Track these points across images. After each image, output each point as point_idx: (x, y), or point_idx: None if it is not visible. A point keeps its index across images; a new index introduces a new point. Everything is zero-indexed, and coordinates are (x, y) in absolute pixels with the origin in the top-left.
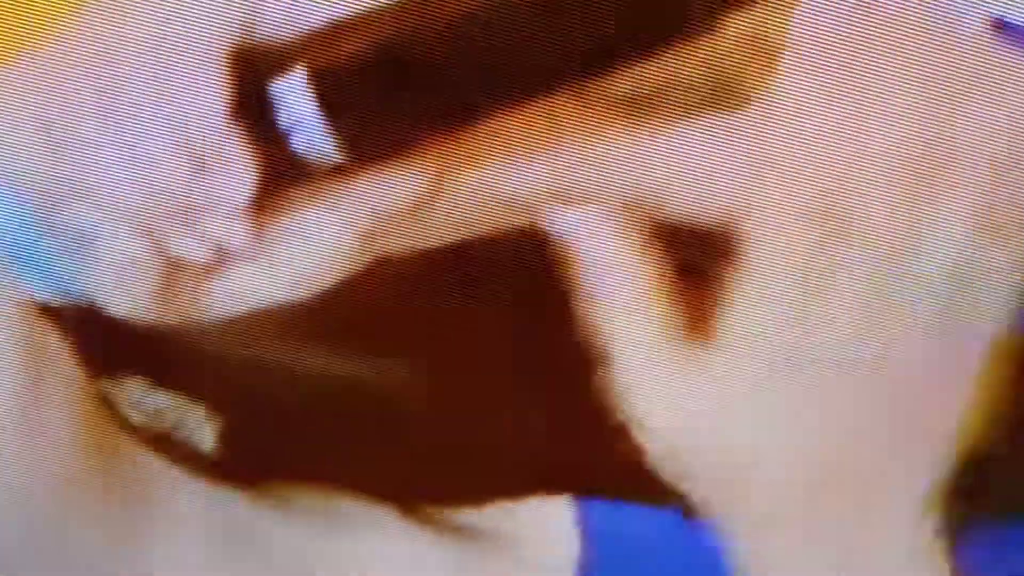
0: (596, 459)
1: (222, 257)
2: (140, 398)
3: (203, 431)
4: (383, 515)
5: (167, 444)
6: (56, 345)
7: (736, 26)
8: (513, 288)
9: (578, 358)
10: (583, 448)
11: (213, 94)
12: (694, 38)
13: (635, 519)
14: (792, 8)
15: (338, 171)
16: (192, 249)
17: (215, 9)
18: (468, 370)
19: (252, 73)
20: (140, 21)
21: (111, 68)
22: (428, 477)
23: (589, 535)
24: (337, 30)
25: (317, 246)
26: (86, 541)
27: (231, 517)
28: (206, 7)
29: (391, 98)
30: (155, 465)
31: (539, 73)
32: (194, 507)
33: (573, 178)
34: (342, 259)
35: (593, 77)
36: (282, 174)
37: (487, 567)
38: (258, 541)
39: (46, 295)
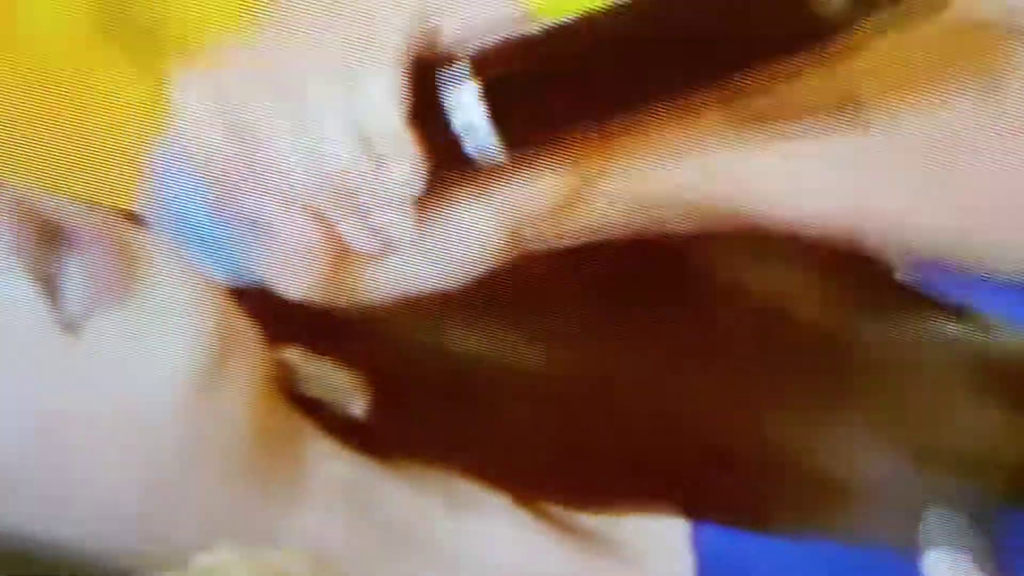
0: (721, 483)
1: (386, 246)
2: (298, 366)
3: (353, 399)
4: (500, 502)
5: (320, 409)
6: (241, 323)
7: (863, 52)
8: (650, 291)
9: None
10: (709, 471)
11: (394, 98)
12: (825, 61)
13: (747, 540)
14: (920, 38)
15: (494, 171)
16: (362, 239)
17: (400, 18)
18: (603, 369)
19: (429, 80)
20: (328, 23)
21: (298, 67)
22: (552, 474)
23: (702, 553)
24: (508, 46)
25: (470, 239)
26: (249, 499)
27: (366, 487)
28: (391, 14)
29: (551, 106)
30: (309, 432)
31: (678, 83)
32: (336, 475)
33: (704, 189)
34: (491, 252)
35: (729, 88)
36: (449, 172)
37: (598, 569)
38: (385, 511)
39: (221, 277)
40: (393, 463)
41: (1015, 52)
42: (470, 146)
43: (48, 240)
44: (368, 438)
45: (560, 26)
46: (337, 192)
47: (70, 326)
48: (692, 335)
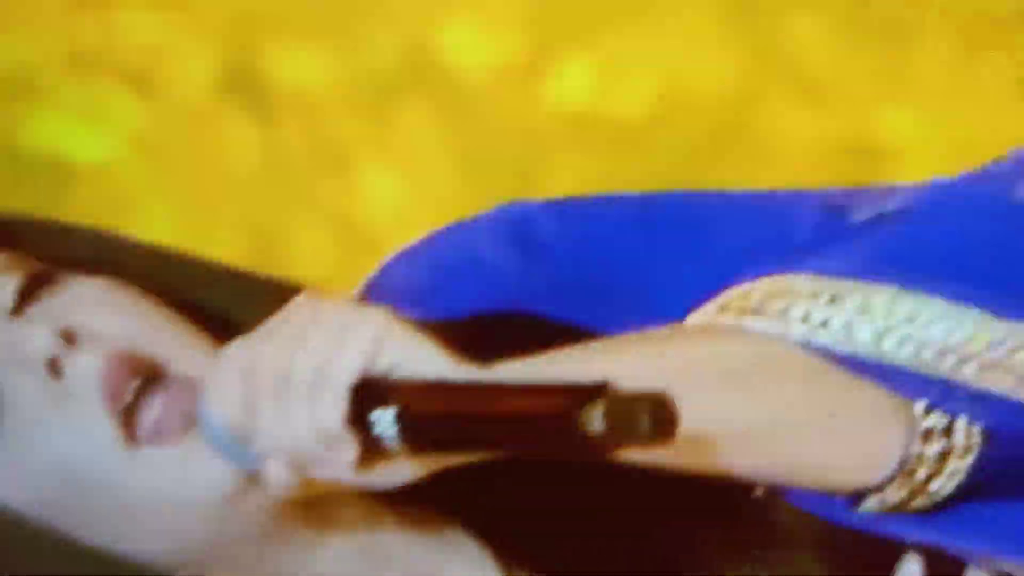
0: None
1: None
2: None
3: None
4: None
5: None
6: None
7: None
8: None
9: None
10: None
11: (338, 412)
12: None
13: None
14: None
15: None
16: (322, 475)
17: (356, 361)
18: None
19: (362, 400)
20: (304, 342)
21: (282, 372)
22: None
23: None
24: (427, 389)
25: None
26: (272, 551)
27: (383, 541)
28: (351, 356)
29: (441, 437)
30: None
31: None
32: (355, 529)
33: None
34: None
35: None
36: (369, 451)
37: None
38: (400, 564)
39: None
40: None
41: None
42: (385, 443)
43: (141, 378)
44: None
45: (461, 385)
46: (307, 459)
47: (135, 444)
48: None
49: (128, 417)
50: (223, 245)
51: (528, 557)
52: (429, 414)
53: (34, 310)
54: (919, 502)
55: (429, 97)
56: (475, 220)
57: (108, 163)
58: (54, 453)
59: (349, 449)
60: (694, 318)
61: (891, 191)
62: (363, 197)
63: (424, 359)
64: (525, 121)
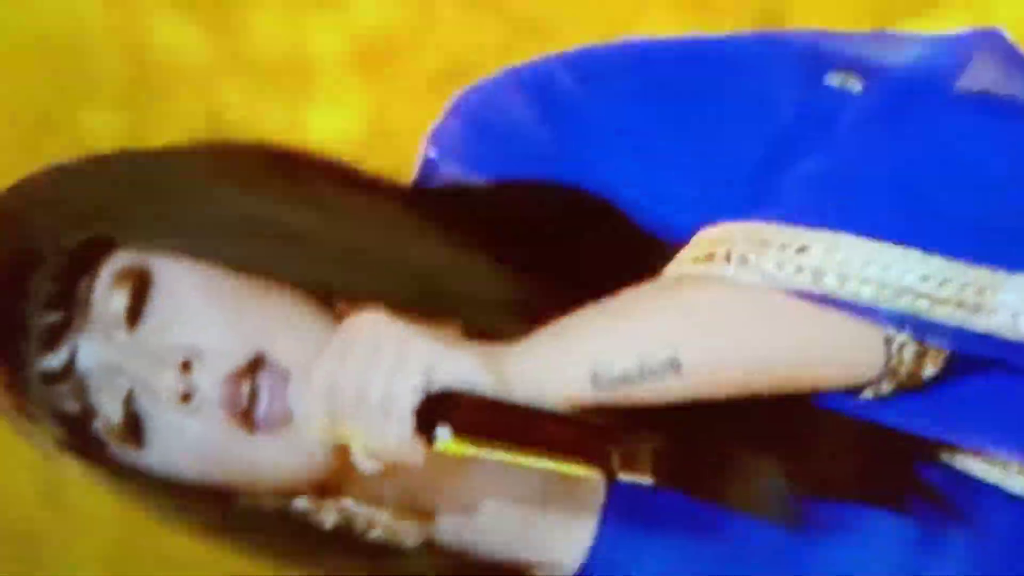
0: None
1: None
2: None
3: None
4: None
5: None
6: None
7: None
8: None
9: None
10: None
11: (407, 428)
12: None
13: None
14: None
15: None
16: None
17: (416, 381)
18: None
19: (425, 416)
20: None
21: (357, 385)
22: None
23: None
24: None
25: None
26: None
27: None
28: (411, 378)
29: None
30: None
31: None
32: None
33: None
34: None
35: None
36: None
37: None
38: None
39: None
40: None
41: None
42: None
43: (249, 379)
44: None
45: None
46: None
47: (250, 427)
48: None
49: (245, 417)
50: None
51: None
52: (479, 430)
53: (148, 325)
54: (911, 385)
55: None
56: (504, 77)
57: None
58: (191, 444)
59: (418, 453)
60: (673, 268)
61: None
62: None
63: (468, 372)
64: None
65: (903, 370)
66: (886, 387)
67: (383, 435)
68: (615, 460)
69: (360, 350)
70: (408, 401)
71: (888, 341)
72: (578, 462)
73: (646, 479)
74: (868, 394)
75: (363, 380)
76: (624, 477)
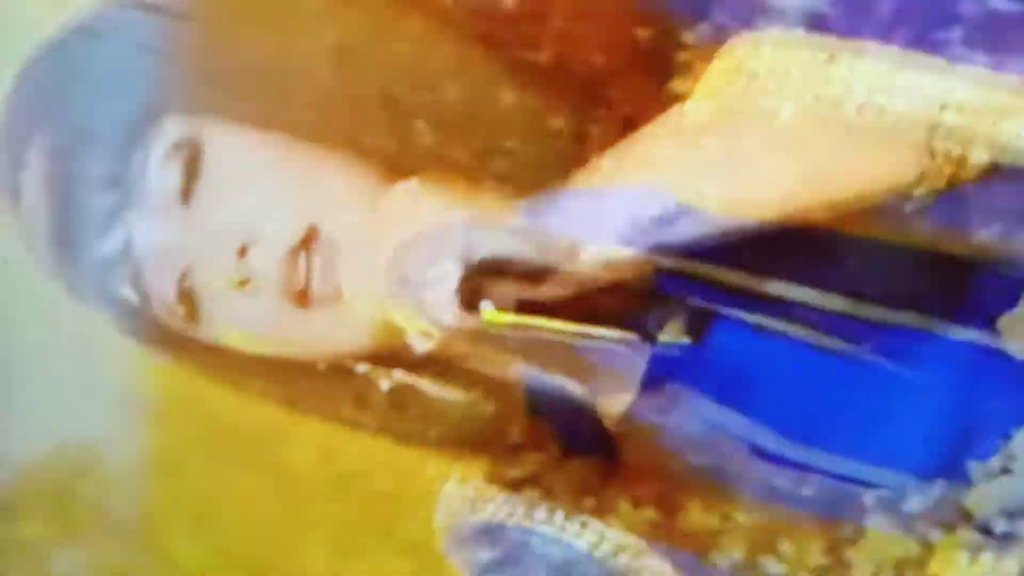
0: None
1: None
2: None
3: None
4: None
5: None
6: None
7: None
8: None
9: None
10: None
11: (454, 306)
12: None
13: None
14: None
15: None
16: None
17: (456, 248)
18: None
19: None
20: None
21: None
22: None
23: None
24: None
25: None
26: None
27: None
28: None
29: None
30: None
31: None
32: None
33: None
34: None
35: None
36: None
37: None
38: None
39: None
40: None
41: None
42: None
43: (304, 254)
44: None
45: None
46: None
47: (305, 303)
48: None
49: (301, 296)
50: None
51: None
52: (519, 301)
53: (202, 202)
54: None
55: None
56: None
57: None
58: (246, 321)
59: (465, 327)
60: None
61: None
62: None
63: (505, 243)
64: None
65: (947, 167)
66: (938, 182)
67: (431, 312)
68: (652, 323)
69: (400, 230)
70: (451, 278)
71: (924, 137)
72: (618, 326)
73: (683, 340)
74: (922, 191)
75: (406, 258)
76: (663, 339)
